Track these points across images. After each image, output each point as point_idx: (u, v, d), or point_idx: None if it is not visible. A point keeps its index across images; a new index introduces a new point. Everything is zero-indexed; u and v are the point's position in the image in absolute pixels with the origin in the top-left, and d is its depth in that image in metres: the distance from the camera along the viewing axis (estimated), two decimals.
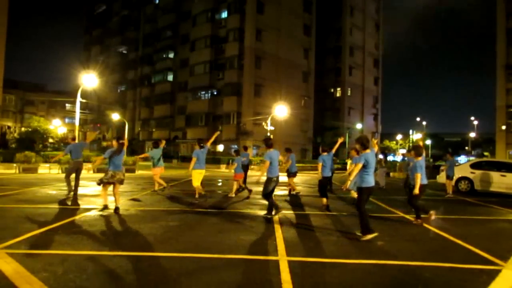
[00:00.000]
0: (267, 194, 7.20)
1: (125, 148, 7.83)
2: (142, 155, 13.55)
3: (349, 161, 20.99)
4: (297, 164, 12.45)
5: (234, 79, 41.57)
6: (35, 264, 4.03)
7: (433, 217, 7.13)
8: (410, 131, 66.05)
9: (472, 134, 67.16)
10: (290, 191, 11.59)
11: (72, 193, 9.30)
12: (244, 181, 11.64)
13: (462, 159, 56.47)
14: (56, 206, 8.17)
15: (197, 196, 9.49)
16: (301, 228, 6.45)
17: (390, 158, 54.63)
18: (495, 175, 12.92)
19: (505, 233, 6.87)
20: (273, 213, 7.26)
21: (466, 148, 71.05)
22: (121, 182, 7.48)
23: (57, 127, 50.32)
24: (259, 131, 38.09)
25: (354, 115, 55.31)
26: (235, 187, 10.88)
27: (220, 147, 42.28)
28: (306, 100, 47.71)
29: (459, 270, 4.30)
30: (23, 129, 49.99)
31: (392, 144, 63.97)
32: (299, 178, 17.14)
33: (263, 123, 33.83)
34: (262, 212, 7.59)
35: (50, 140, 44.00)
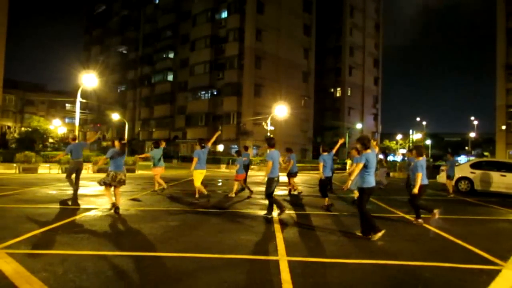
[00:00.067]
0: (270, 194, 7.25)
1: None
2: (143, 155, 13.58)
3: (349, 161, 21.06)
4: (297, 164, 12.46)
5: (234, 79, 41.57)
6: (35, 264, 4.03)
7: (436, 216, 7.21)
8: (410, 131, 66.22)
9: (472, 134, 67.18)
10: (290, 191, 11.60)
11: (77, 191, 9.40)
12: (245, 181, 11.65)
13: (462, 159, 56.40)
14: (56, 206, 8.19)
15: (197, 196, 9.50)
16: (301, 228, 6.46)
17: (390, 158, 54.58)
18: (495, 175, 12.92)
19: (505, 233, 6.87)
20: (278, 213, 7.32)
21: (466, 148, 71.04)
22: (123, 183, 7.49)
23: (57, 127, 50.33)
24: (259, 131, 38.10)
25: (354, 115, 55.35)
26: (235, 187, 10.89)
27: (220, 147, 42.27)
28: (306, 100, 47.70)
29: (459, 270, 4.31)
30: (23, 129, 49.92)
31: (392, 144, 63.95)
32: (299, 178, 17.13)
33: (263, 123, 33.81)
34: (262, 212, 7.60)
35: (50, 140, 43.96)
